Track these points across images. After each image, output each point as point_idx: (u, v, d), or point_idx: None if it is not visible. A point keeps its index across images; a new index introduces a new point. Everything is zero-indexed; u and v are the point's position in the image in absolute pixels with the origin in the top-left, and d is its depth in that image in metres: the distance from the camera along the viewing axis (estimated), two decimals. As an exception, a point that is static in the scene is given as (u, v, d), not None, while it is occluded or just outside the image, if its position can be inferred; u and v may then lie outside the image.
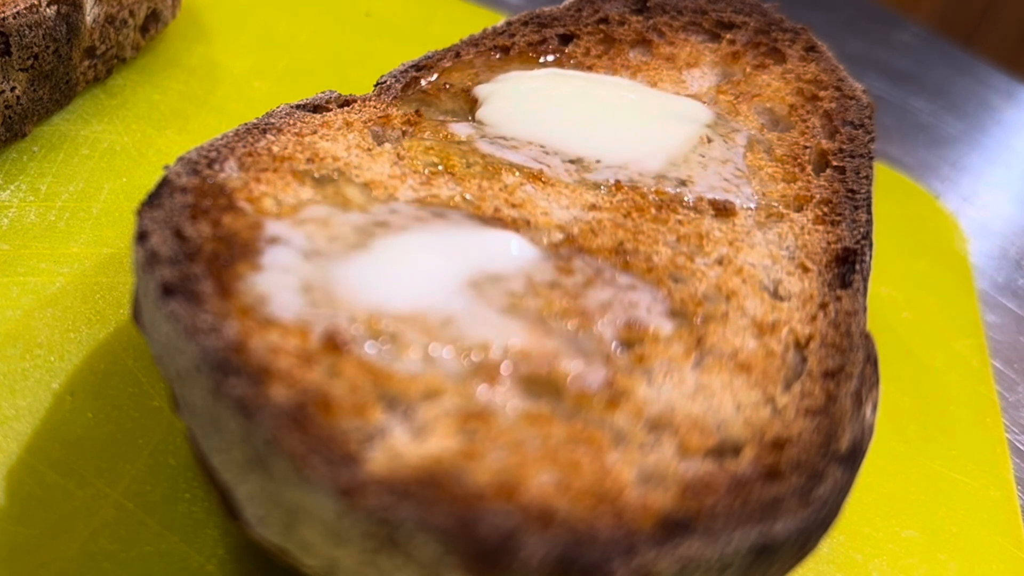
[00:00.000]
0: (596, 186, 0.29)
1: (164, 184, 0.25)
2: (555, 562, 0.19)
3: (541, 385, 0.23)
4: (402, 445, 0.20)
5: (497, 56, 0.33)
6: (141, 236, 0.23)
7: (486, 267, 0.25)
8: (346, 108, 0.30)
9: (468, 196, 0.27)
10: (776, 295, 0.27)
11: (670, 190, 0.29)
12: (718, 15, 0.35)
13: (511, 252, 0.26)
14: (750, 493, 0.21)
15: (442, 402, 0.22)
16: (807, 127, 0.32)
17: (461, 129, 0.30)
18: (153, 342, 0.23)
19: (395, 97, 0.31)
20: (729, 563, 0.20)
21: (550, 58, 0.34)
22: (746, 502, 0.21)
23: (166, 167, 0.26)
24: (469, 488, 0.20)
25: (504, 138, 0.30)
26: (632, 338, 0.24)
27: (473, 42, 0.34)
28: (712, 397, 0.24)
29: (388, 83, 0.32)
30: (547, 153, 0.30)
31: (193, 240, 0.23)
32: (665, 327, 0.25)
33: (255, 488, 0.21)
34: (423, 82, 0.32)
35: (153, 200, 0.24)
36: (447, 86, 0.32)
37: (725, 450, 0.22)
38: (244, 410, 0.20)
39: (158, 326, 0.22)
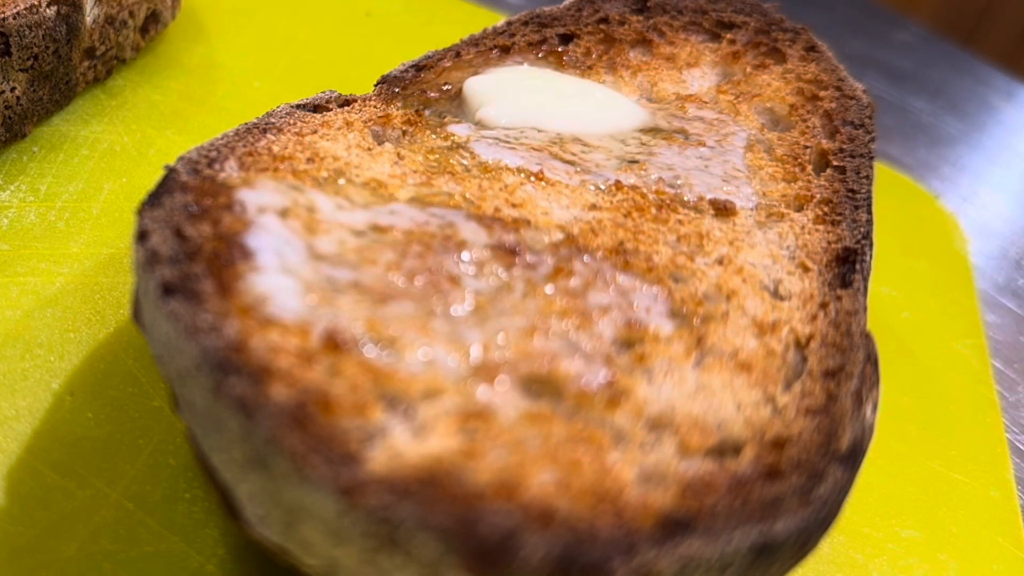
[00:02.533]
0: (596, 186, 0.29)
1: (164, 183, 0.25)
2: (555, 561, 0.19)
3: (541, 384, 0.23)
4: (402, 444, 0.21)
5: (497, 56, 0.33)
6: (141, 235, 0.24)
7: (487, 267, 0.25)
8: (346, 108, 0.30)
9: (468, 196, 0.27)
10: (776, 295, 0.27)
11: (669, 190, 0.29)
12: (718, 15, 0.35)
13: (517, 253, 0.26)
14: (750, 492, 0.21)
15: (442, 401, 0.22)
16: (807, 127, 0.32)
17: (461, 130, 0.30)
18: (153, 342, 0.23)
19: (396, 97, 0.31)
20: (729, 562, 0.20)
21: (555, 53, 0.33)
22: (746, 501, 0.21)
23: (166, 167, 0.26)
24: (469, 487, 0.20)
25: (503, 139, 0.30)
26: (632, 338, 0.24)
27: (473, 42, 0.33)
28: (712, 396, 0.24)
29: (389, 83, 0.32)
30: (547, 155, 0.30)
31: (193, 240, 0.23)
32: (665, 327, 0.25)
33: (255, 487, 0.21)
34: (423, 82, 0.32)
35: (153, 200, 0.24)
36: (447, 86, 0.32)
37: (725, 449, 0.22)
38: (244, 409, 0.20)
39: (158, 325, 0.22)
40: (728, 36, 0.35)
